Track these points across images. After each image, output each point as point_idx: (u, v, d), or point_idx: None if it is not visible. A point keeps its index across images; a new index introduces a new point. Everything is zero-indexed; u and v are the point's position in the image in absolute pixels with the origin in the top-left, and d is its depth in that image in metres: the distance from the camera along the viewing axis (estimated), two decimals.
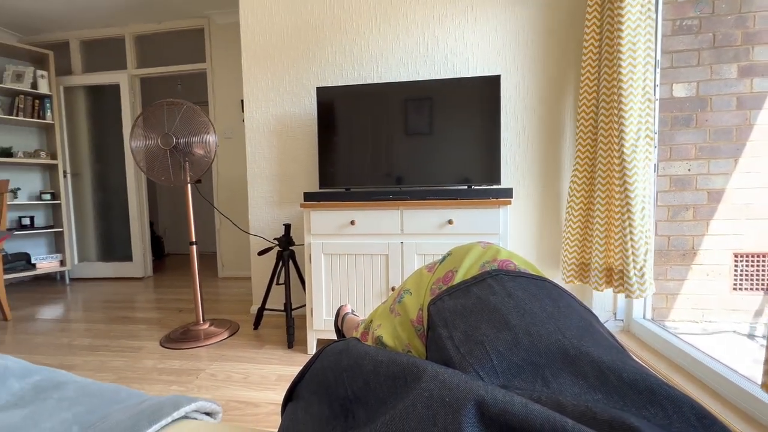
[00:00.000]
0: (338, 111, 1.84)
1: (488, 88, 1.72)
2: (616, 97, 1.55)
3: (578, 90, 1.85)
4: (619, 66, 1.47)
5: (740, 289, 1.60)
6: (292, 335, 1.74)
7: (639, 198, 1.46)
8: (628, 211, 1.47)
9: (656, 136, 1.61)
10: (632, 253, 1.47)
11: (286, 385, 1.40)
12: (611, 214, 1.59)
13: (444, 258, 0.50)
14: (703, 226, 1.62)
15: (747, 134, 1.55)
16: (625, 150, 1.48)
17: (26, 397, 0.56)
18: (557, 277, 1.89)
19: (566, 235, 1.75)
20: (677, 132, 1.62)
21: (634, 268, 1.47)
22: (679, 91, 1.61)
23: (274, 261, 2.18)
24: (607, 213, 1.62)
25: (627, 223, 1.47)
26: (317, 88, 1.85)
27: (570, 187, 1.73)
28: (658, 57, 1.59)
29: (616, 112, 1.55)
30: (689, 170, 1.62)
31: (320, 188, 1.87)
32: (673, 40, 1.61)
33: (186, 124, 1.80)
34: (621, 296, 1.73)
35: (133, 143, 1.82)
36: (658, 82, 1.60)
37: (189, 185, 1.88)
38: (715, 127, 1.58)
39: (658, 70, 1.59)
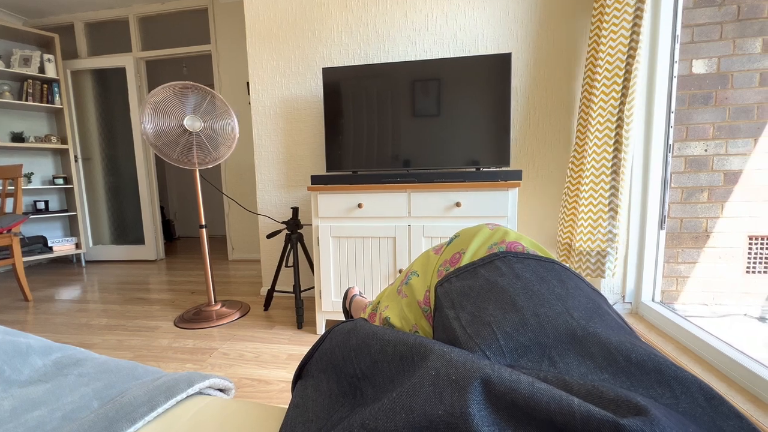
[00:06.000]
0: (345, 92, 1.81)
1: (499, 66, 1.67)
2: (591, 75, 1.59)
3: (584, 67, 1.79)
4: (600, 39, 1.50)
5: (754, 272, 1.57)
6: (301, 316, 1.77)
7: (588, 184, 1.55)
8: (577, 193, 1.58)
9: (673, 115, 1.56)
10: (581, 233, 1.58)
11: (297, 364, 1.44)
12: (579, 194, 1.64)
13: (451, 240, 0.50)
14: (717, 209, 1.58)
15: None
16: (589, 128, 1.53)
17: (48, 373, 0.58)
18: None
19: (561, 216, 1.78)
20: (695, 111, 1.57)
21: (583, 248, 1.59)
22: (699, 67, 1.55)
23: (283, 244, 2.20)
24: (575, 194, 1.68)
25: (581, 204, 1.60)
26: (323, 68, 1.81)
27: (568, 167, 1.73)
28: (678, 32, 1.52)
29: (588, 89, 1.62)
30: (706, 150, 1.57)
31: (327, 171, 1.87)
32: (695, 13, 1.53)
33: (209, 109, 1.83)
34: (630, 279, 1.71)
35: (150, 127, 1.76)
36: (676, 59, 1.53)
37: (197, 170, 1.89)
38: (735, 105, 1.52)
39: (677, 46, 1.52)
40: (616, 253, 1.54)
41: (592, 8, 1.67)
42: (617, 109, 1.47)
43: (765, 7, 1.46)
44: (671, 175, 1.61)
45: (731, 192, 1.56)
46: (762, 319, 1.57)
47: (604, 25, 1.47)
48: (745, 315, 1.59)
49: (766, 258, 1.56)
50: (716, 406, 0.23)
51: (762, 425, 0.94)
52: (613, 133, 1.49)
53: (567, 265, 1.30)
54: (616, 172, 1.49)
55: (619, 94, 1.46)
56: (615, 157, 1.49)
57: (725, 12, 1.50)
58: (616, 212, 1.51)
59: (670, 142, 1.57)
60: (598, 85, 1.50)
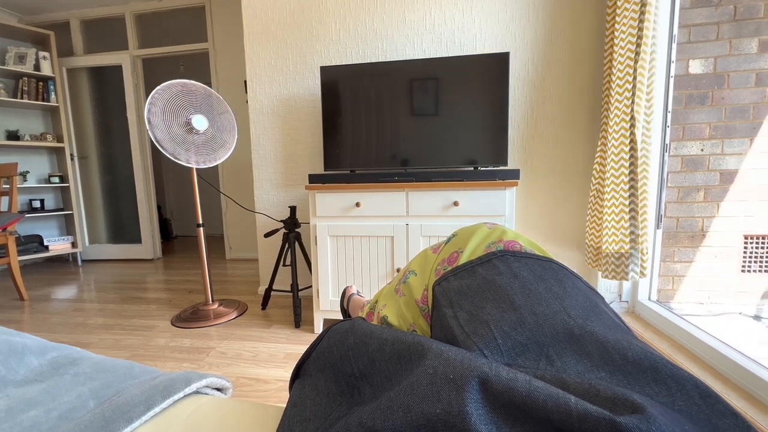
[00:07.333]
0: (343, 91, 1.81)
1: (496, 66, 1.67)
2: (611, 76, 1.57)
3: (601, 66, 1.79)
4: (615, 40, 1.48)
5: (749, 270, 1.58)
6: (299, 315, 1.77)
7: (608, 187, 1.54)
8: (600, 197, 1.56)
9: (669, 115, 1.56)
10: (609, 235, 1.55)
11: (294, 363, 1.44)
12: (602, 195, 1.62)
13: (449, 239, 0.50)
14: (713, 208, 1.59)
15: (765, 112, 1.50)
16: (608, 129, 1.52)
17: (44, 373, 0.58)
18: (562, 258, 1.88)
19: (587, 218, 1.75)
20: (691, 111, 1.57)
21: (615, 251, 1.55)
22: (696, 67, 1.55)
23: (281, 243, 2.20)
24: (597, 195, 1.66)
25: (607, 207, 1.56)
26: (321, 67, 1.81)
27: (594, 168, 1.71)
28: (675, 32, 1.52)
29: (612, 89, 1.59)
30: (702, 150, 1.58)
31: (325, 170, 1.86)
32: (692, 13, 1.54)
33: (211, 109, 1.83)
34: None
35: (158, 125, 1.71)
36: (673, 59, 1.54)
37: (194, 169, 1.88)
38: (731, 105, 1.53)
39: (674, 46, 1.53)
40: (640, 254, 1.51)
41: (606, 6, 1.66)
42: (629, 108, 1.46)
43: (761, 7, 1.47)
44: (668, 175, 1.62)
45: (727, 191, 1.57)
46: (757, 317, 1.58)
47: (617, 26, 1.46)
48: (740, 313, 1.60)
49: (761, 257, 1.57)
50: (712, 404, 0.23)
51: (757, 423, 0.95)
52: (628, 132, 1.48)
53: (564, 264, 1.31)
54: (634, 171, 1.49)
55: (631, 93, 1.45)
56: (632, 156, 1.48)
57: (722, 12, 1.51)
58: (637, 212, 1.50)
59: (667, 141, 1.58)
60: (614, 86, 1.49)
